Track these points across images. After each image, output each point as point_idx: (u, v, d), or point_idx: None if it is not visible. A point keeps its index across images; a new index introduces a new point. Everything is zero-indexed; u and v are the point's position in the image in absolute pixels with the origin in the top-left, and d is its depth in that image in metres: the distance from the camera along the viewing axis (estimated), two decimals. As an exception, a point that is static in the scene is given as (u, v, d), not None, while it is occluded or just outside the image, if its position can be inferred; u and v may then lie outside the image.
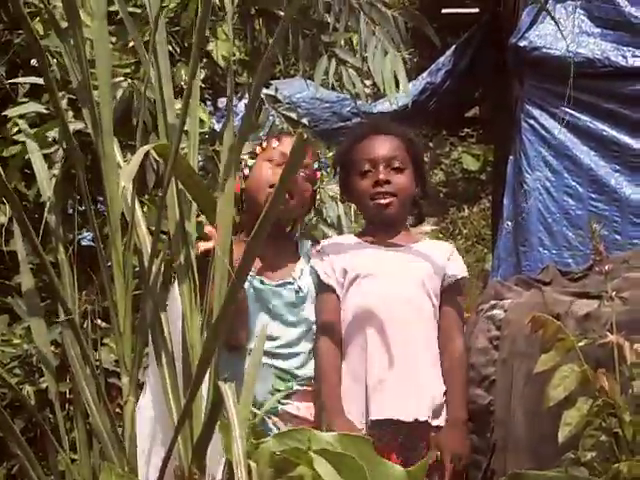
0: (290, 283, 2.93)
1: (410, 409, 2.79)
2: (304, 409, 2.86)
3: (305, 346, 2.91)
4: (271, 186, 2.86)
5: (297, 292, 2.92)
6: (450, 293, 2.93)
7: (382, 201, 2.91)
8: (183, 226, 2.24)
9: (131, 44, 3.11)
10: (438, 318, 2.91)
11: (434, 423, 2.81)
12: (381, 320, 2.84)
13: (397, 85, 3.59)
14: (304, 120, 3.87)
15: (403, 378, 2.79)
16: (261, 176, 2.93)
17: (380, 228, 2.98)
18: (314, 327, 2.91)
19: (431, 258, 2.95)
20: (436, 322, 2.91)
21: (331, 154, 4.15)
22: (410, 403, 2.79)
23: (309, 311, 2.93)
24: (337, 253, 2.96)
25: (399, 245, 2.98)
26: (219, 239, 2.16)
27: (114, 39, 3.17)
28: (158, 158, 2.65)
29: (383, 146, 2.95)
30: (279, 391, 2.81)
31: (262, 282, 2.91)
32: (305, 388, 2.87)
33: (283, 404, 2.84)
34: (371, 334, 2.84)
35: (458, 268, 2.96)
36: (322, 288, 2.93)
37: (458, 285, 2.95)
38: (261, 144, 3.01)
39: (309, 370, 2.89)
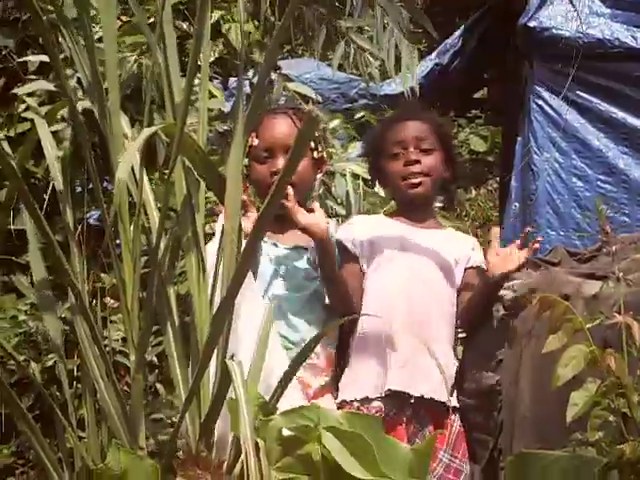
0: (304, 249, 2.94)
1: (426, 386, 2.81)
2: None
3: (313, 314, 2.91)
4: (273, 173, 2.89)
5: (309, 260, 2.94)
6: (471, 278, 2.98)
7: (414, 180, 2.97)
8: (191, 203, 2.23)
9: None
10: (455, 301, 2.96)
11: (452, 403, 2.85)
12: (403, 298, 2.89)
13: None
14: (315, 96, 3.87)
15: (421, 356, 2.79)
16: (259, 178, 2.94)
17: (411, 209, 3.04)
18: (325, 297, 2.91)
19: (458, 244, 3.03)
20: (454, 305, 2.96)
21: (336, 122, 4.15)
22: (429, 380, 2.80)
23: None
24: (365, 226, 3.03)
25: (426, 227, 3.03)
26: (227, 216, 2.16)
27: (125, 18, 3.18)
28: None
29: (411, 129, 3.02)
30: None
31: (276, 245, 2.93)
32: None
33: None
34: (393, 312, 2.87)
35: (480, 258, 3.00)
36: (347, 257, 2.98)
37: (479, 272, 2.98)
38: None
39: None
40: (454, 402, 2.86)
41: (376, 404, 2.82)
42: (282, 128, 2.97)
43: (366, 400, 2.83)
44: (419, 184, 2.97)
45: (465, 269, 2.99)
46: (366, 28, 4.03)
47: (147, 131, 2.05)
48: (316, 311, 2.90)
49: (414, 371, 2.81)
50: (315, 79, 6.48)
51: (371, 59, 3.69)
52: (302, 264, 2.93)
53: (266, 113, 3.03)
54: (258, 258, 2.86)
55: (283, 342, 2.81)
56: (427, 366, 2.72)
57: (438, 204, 3.26)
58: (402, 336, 2.82)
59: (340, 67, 4.32)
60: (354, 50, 3.64)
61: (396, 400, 2.81)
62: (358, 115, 5.26)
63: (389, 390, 2.81)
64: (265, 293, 2.84)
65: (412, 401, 2.81)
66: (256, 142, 2.94)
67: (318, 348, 2.82)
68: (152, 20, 2.52)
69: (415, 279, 2.92)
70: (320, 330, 2.75)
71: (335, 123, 4.10)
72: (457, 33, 6.65)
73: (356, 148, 4.00)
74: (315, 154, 2.99)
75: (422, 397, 2.80)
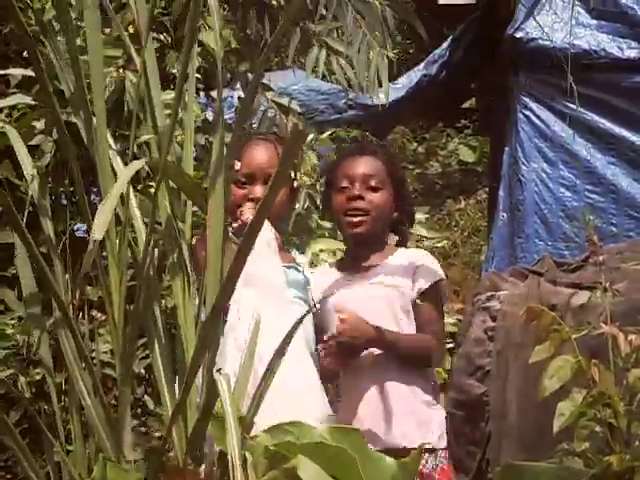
0: (296, 269, 2.97)
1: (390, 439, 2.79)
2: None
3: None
4: (250, 199, 2.90)
5: (300, 274, 2.97)
6: (424, 300, 2.92)
7: (354, 219, 2.94)
8: (175, 222, 2.24)
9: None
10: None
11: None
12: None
13: (380, 84, 3.58)
14: (297, 108, 3.85)
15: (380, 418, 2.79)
16: (235, 202, 2.93)
17: (355, 249, 3.01)
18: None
19: (396, 278, 2.94)
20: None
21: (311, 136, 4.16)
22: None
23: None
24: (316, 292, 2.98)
25: (366, 269, 2.97)
26: (210, 234, 2.16)
27: (108, 30, 3.17)
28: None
29: (363, 165, 3.00)
30: None
31: None
32: None
33: None
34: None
35: (425, 278, 2.93)
36: None
37: (432, 291, 2.93)
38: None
39: None
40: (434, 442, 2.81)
41: None
42: (263, 156, 2.98)
43: None
44: (359, 224, 2.93)
45: (414, 306, 2.91)
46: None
47: (133, 166, 2.04)
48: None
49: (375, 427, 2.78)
50: (303, 90, 6.50)
51: (343, 64, 3.61)
52: (297, 280, 2.95)
53: (249, 139, 3.05)
54: None
55: None
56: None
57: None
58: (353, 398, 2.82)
59: (325, 78, 4.30)
60: (327, 55, 3.55)
61: None
62: (328, 132, 5.19)
63: None
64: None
65: None
66: (238, 166, 2.95)
67: None
68: (132, 32, 2.52)
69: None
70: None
71: (310, 137, 4.10)
72: (445, 44, 6.67)
73: None
74: (294, 183, 3.04)
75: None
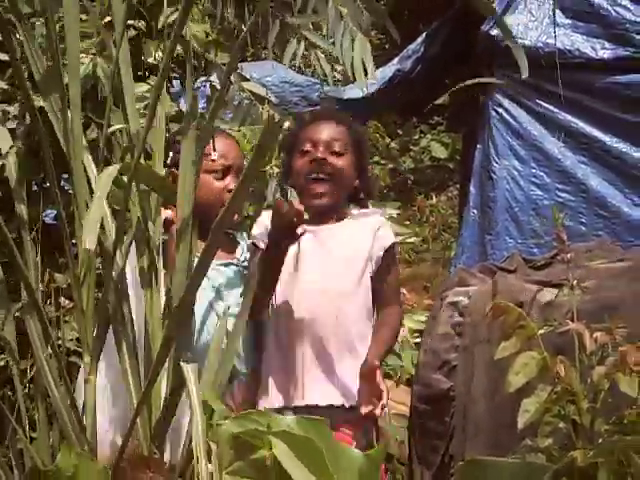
0: (234, 264, 2.95)
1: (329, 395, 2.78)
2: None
3: None
4: (229, 191, 2.90)
5: (240, 270, 2.94)
6: (382, 265, 2.88)
7: (317, 189, 2.87)
8: (146, 223, 2.24)
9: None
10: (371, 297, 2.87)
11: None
12: (303, 315, 2.81)
13: (365, 72, 3.56)
14: (272, 98, 3.84)
15: (326, 370, 2.77)
16: (213, 187, 2.93)
17: (314, 211, 2.89)
18: None
19: (356, 236, 2.90)
20: (369, 307, 2.87)
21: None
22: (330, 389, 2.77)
23: None
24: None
25: (326, 224, 2.91)
26: (179, 226, 2.17)
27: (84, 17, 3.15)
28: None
29: (326, 129, 2.93)
30: None
31: None
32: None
33: None
34: (294, 329, 2.81)
35: (385, 239, 2.90)
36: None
37: (389, 254, 2.89)
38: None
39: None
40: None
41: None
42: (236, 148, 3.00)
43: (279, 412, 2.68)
44: (322, 195, 2.87)
45: (373, 261, 2.87)
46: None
47: (110, 171, 2.04)
48: None
49: (318, 382, 2.77)
50: (277, 82, 6.48)
51: (324, 57, 3.59)
52: (235, 278, 2.94)
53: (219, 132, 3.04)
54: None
55: None
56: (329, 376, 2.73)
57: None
58: (303, 351, 2.78)
59: (301, 71, 4.29)
60: (305, 48, 3.55)
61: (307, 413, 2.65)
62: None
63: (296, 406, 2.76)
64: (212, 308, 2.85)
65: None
66: (214, 156, 2.93)
67: None
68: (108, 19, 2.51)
69: (313, 294, 2.83)
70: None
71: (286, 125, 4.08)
72: (419, 39, 6.67)
73: None
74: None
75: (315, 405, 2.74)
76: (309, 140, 2.92)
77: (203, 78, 3.74)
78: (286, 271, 2.81)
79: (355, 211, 2.99)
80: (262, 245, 2.86)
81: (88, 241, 1.83)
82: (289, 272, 2.83)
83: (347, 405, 2.73)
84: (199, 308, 2.72)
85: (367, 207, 3.03)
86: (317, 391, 2.75)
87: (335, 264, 2.85)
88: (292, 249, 2.80)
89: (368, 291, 2.86)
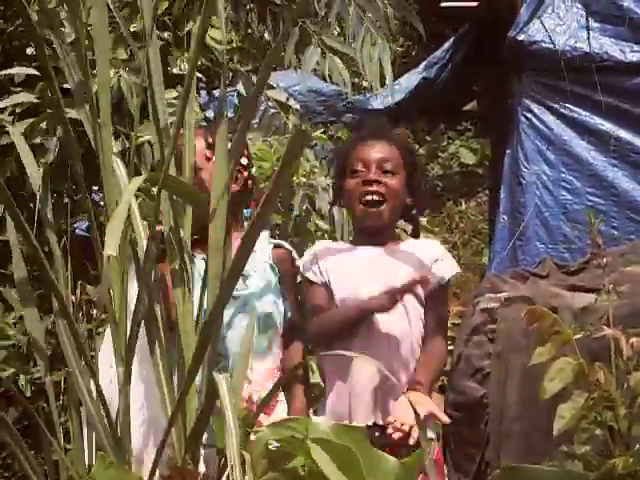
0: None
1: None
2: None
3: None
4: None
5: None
6: (436, 296, 2.84)
7: (371, 209, 2.83)
8: (178, 230, 2.24)
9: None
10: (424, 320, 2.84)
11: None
12: (365, 330, 2.78)
13: (382, 82, 3.54)
14: (296, 106, 3.83)
15: (382, 387, 2.74)
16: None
17: (369, 232, 2.90)
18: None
19: (417, 260, 2.86)
20: (422, 326, 2.84)
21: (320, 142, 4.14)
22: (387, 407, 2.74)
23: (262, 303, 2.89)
24: (327, 260, 2.89)
25: (387, 245, 2.89)
26: (212, 234, 2.17)
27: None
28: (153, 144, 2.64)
29: (378, 149, 2.89)
30: None
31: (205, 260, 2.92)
32: None
33: None
34: (356, 344, 2.76)
35: (446, 269, 2.87)
36: (311, 284, 2.88)
37: (444, 288, 2.87)
38: None
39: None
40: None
41: None
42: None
43: None
44: (377, 214, 2.83)
45: (429, 291, 2.82)
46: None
47: (136, 181, 2.04)
48: (244, 320, 2.85)
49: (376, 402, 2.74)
50: (303, 91, 6.49)
51: (341, 62, 3.55)
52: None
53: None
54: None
55: None
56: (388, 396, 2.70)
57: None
58: (362, 367, 2.74)
59: (328, 80, 4.27)
60: (321, 52, 3.50)
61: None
62: (321, 130, 5.10)
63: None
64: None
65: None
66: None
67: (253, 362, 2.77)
68: (134, 30, 2.52)
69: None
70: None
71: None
72: (445, 45, 6.67)
73: None
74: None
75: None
76: (360, 160, 2.87)
77: (230, 88, 3.75)
78: (350, 287, 2.80)
79: (411, 240, 2.97)
80: (307, 275, 2.87)
81: (109, 247, 1.82)
82: (353, 288, 2.81)
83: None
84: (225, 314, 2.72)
85: (418, 222, 3.01)
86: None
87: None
88: (351, 266, 2.82)
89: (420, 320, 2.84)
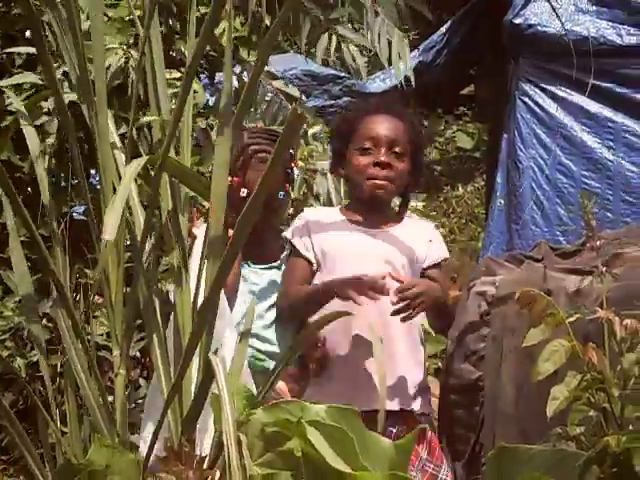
0: (276, 267, 2.98)
1: (392, 398, 2.77)
2: (281, 385, 2.85)
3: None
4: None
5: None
6: (430, 275, 2.92)
7: (379, 184, 2.86)
8: (177, 216, 2.24)
9: (127, 17, 3.11)
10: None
11: (416, 409, 2.84)
12: (360, 311, 2.73)
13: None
14: (296, 93, 3.84)
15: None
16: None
17: (368, 208, 2.93)
18: None
19: (412, 242, 2.92)
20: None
21: (317, 128, 4.13)
22: (390, 393, 2.74)
23: None
24: (319, 232, 2.90)
25: (383, 227, 2.94)
26: (213, 218, 2.16)
27: (111, 13, 3.17)
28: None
29: (389, 127, 2.89)
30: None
31: (248, 264, 2.96)
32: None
33: None
34: (353, 325, 2.79)
35: (438, 251, 2.95)
36: (296, 255, 2.90)
37: (439, 266, 2.95)
38: None
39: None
40: (421, 409, 2.84)
41: None
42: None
43: None
44: (383, 189, 2.86)
45: (424, 269, 2.91)
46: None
47: (136, 164, 2.03)
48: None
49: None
50: (300, 75, 6.48)
51: (354, 52, 3.58)
52: (274, 282, 2.96)
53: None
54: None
55: (255, 354, 2.84)
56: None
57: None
58: (360, 350, 2.76)
59: (325, 63, 4.28)
60: (338, 42, 3.53)
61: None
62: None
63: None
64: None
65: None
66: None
67: None
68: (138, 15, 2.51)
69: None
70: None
71: (317, 129, 4.07)
72: (442, 30, 6.65)
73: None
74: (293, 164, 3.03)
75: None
76: (369, 138, 2.88)
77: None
78: (349, 272, 2.80)
79: (408, 216, 3.03)
80: (294, 241, 2.89)
81: (107, 232, 1.82)
82: (346, 271, 2.81)
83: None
84: (236, 311, 2.73)
85: (408, 199, 3.06)
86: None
87: (397, 269, 2.86)
88: (354, 246, 2.86)
89: None
